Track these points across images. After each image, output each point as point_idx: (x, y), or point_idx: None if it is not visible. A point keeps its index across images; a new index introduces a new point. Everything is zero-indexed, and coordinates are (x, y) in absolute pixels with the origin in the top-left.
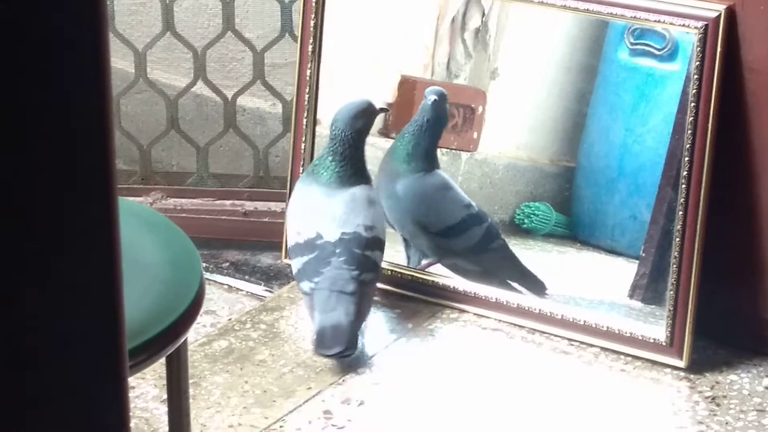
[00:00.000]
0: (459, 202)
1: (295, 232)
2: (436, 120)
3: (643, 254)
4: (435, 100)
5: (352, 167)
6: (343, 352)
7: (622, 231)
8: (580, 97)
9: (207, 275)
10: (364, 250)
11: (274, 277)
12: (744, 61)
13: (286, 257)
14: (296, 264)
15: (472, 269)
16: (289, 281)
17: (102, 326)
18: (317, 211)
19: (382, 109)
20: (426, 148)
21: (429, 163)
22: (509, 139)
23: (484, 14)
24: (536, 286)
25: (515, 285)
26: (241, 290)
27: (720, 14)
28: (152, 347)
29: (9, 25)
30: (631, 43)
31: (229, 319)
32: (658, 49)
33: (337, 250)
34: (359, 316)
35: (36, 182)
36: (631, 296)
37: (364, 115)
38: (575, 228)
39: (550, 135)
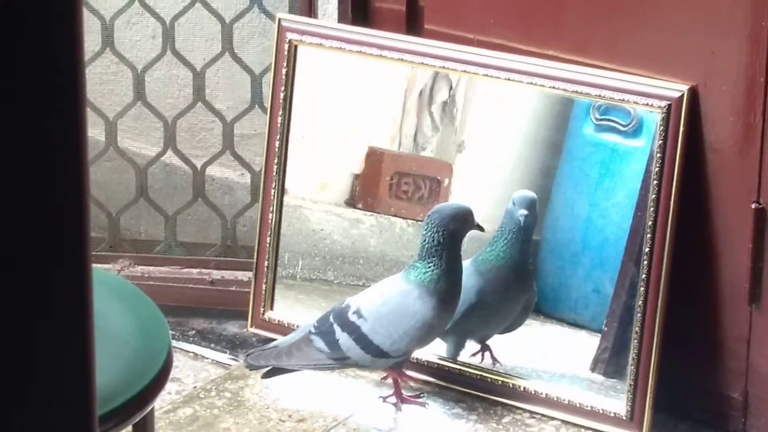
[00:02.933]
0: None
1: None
2: (528, 226)
3: (605, 328)
4: (526, 215)
5: (427, 270)
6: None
7: (585, 304)
8: (545, 171)
9: (173, 343)
10: (337, 324)
11: (240, 345)
12: (706, 140)
13: (251, 326)
14: None
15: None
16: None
17: (74, 393)
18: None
19: (478, 226)
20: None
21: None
22: (475, 211)
23: (451, 88)
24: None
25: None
26: (207, 358)
27: (683, 94)
28: (120, 415)
29: None
30: (597, 119)
31: (194, 387)
32: (623, 125)
33: (332, 311)
34: (280, 356)
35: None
36: (593, 370)
37: (460, 219)
38: (539, 301)
39: None
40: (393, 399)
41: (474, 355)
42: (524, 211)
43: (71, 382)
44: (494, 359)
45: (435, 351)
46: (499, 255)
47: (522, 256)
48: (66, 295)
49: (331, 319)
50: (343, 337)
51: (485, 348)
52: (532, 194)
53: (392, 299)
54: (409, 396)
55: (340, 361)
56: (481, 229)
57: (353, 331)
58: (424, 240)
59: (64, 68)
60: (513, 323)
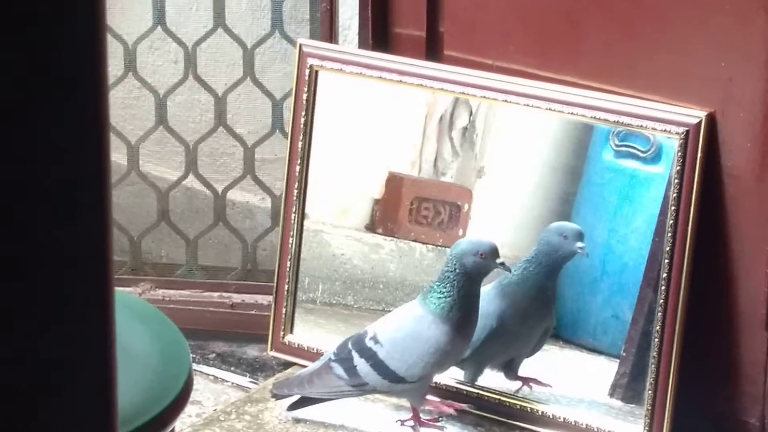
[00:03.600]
0: None
1: None
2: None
3: (624, 354)
4: (582, 248)
5: (444, 297)
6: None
7: (604, 330)
8: (564, 196)
9: (193, 366)
10: (355, 350)
11: (260, 368)
12: (724, 166)
13: (271, 350)
14: None
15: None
16: (274, 373)
17: (96, 417)
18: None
19: (503, 265)
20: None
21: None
22: (494, 237)
23: (471, 114)
24: None
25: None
26: (227, 381)
27: (701, 120)
28: None
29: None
30: (616, 145)
31: (215, 410)
32: (643, 152)
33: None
34: (302, 382)
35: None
36: (611, 395)
37: (476, 254)
38: (558, 326)
39: (535, 234)
40: (411, 422)
41: (518, 390)
42: (582, 244)
43: (93, 402)
44: (539, 383)
45: (453, 375)
46: (527, 280)
47: (549, 283)
48: (88, 315)
49: (350, 345)
50: (360, 363)
51: (527, 380)
52: (578, 227)
53: (407, 325)
54: (427, 420)
55: (359, 388)
56: (507, 269)
57: (370, 357)
58: (444, 268)
59: (88, 93)
60: (533, 349)
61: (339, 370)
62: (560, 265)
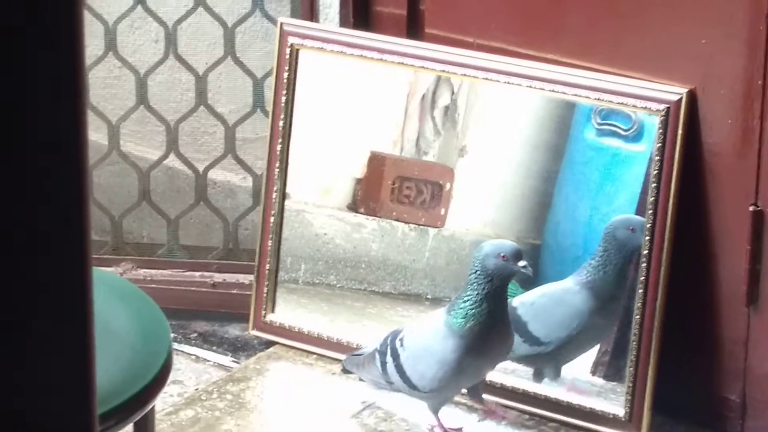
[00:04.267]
0: None
1: None
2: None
3: None
4: (637, 237)
5: (466, 306)
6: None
7: None
8: (546, 175)
9: (175, 345)
10: (388, 353)
11: (241, 348)
12: (705, 143)
13: (253, 329)
14: None
15: None
16: (255, 352)
17: (73, 391)
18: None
19: (525, 268)
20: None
21: None
22: (476, 215)
23: (453, 93)
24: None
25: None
26: (209, 361)
27: (681, 97)
28: (121, 413)
29: None
30: (598, 124)
31: (196, 389)
32: (625, 130)
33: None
34: (353, 362)
35: (13, 247)
36: (593, 373)
37: (499, 256)
38: None
39: (517, 213)
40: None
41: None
42: (638, 235)
43: (70, 378)
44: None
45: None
46: (609, 276)
47: (622, 273)
48: (66, 292)
49: (389, 341)
50: (389, 362)
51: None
52: (641, 218)
53: (424, 335)
54: (451, 429)
55: (389, 384)
56: (528, 273)
57: (395, 357)
58: (469, 275)
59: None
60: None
61: (377, 362)
62: (629, 260)
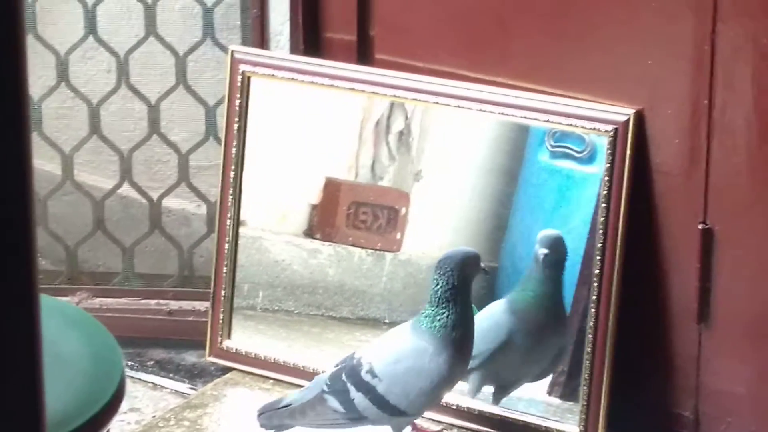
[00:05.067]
0: None
1: None
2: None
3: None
4: (546, 254)
5: (435, 319)
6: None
7: None
8: (502, 198)
9: (132, 373)
10: (350, 383)
11: (198, 375)
12: (653, 163)
13: (209, 355)
14: None
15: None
16: (212, 379)
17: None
18: (383, 337)
19: (485, 270)
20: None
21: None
22: (433, 239)
23: (407, 118)
24: None
25: None
26: (166, 388)
27: (629, 118)
28: None
29: None
30: (552, 146)
31: (154, 416)
32: (578, 152)
33: (341, 365)
34: (294, 414)
35: None
36: (549, 393)
37: (471, 264)
38: None
39: (473, 236)
40: None
41: None
42: (544, 250)
43: (19, 405)
44: None
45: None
46: (533, 294)
47: (554, 297)
48: (12, 319)
49: (344, 377)
50: (358, 397)
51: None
52: (555, 233)
53: (406, 358)
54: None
55: (356, 421)
56: (486, 272)
57: (368, 391)
58: (437, 285)
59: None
60: (542, 372)
61: (334, 402)
62: (553, 275)
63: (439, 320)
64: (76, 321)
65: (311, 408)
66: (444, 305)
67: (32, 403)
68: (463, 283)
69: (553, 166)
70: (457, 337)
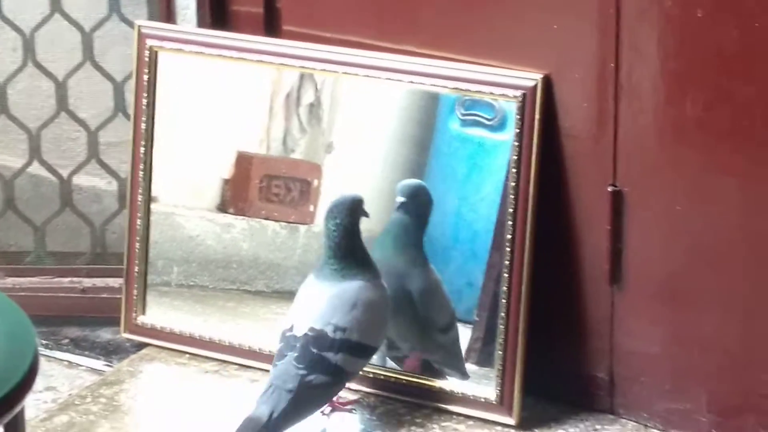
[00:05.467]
0: (448, 296)
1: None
2: (413, 212)
3: (477, 319)
4: (402, 202)
5: (348, 261)
6: None
7: (459, 298)
8: (414, 168)
9: (47, 352)
10: (324, 351)
11: (114, 351)
12: (562, 127)
13: (124, 331)
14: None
15: (435, 359)
16: (128, 355)
17: None
18: (303, 304)
19: (365, 212)
20: (413, 240)
21: (423, 253)
22: None
23: (317, 89)
24: (462, 370)
25: (447, 370)
26: (81, 365)
27: (537, 83)
28: None
29: None
30: (462, 114)
31: (70, 394)
32: (488, 119)
33: (296, 345)
34: (287, 417)
35: None
36: (466, 360)
37: (358, 208)
38: None
39: (386, 206)
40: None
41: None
42: (401, 198)
43: None
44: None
45: None
46: (392, 242)
47: (414, 245)
48: None
49: (315, 350)
50: (338, 358)
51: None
52: (415, 181)
53: (357, 299)
54: (341, 403)
55: (339, 384)
56: (367, 215)
57: (344, 346)
58: (335, 228)
59: None
60: (426, 328)
61: (320, 377)
62: (413, 223)
63: (351, 258)
64: None
65: (295, 406)
66: (345, 245)
67: None
68: (355, 224)
69: (465, 134)
70: (373, 265)
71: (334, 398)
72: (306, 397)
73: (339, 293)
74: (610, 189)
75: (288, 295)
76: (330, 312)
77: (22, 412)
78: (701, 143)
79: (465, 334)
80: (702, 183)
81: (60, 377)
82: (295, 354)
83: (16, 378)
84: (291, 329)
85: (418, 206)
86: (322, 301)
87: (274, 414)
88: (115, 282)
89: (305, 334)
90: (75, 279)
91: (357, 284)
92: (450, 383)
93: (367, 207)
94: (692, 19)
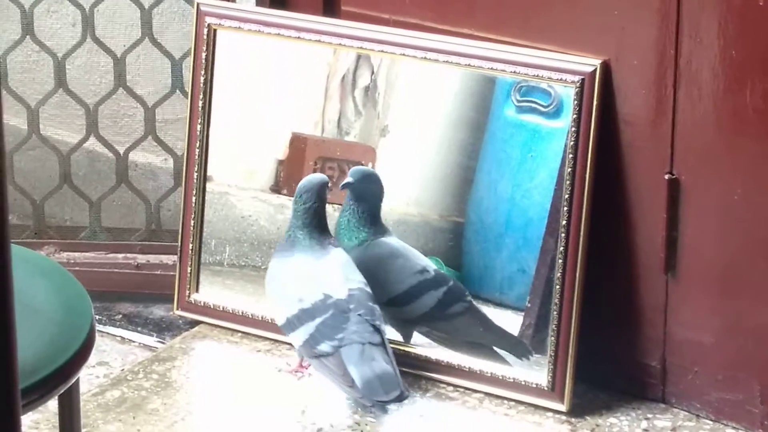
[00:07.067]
0: (409, 270)
1: (296, 300)
2: (359, 195)
3: (529, 305)
4: (348, 182)
5: (326, 233)
6: (401, 396)
7: (510, 284)
8: (468, 153)
9: (100, 327)
10: (374, 302)
11: (166, 328)
12: (620, 113)
13: (177, 309)
14: (307, 329)
15: (439, 336)
16: (181, 332)
17: None
18: (314, 275)
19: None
20: (361, 220)
21: (371, 233)
22: (399, 194)
23: (373, 72)
24: (517, 348)
25: (497, 350)
26: (134, 341)
27: (596, 68)
28: (45, 387)
29: None
30: (518, 101)
31: (122, 370)
32: (544, 106)
33: (351, 306)
34: (394, 362)
35: None
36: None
37: (326, 188)
38: (465, 282)
39: (440, 191)
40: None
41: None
42: (349, 179)
43: None
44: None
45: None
46: (345, 221)
47: (359, 227)
48: None
49: (371, 303)
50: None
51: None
52: (367, 168)
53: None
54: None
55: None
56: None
57: (351, 303)
58: (307, 204)
59: None
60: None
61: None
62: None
63: (326, 230)
64: (46, 270)
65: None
66: (316, 220)
67: (4, 350)
68: (323, 203)
69: (520, 120)
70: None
71: (304, 363)
72: (388, 345)
73: (343, 259)
74: (666, 177)
75: None
76: (351, 272)
77: (76, 384)
78: (760, 132)
79: (517, 321)
80: (760, 172)
81: (113, 353)
82: (361, 311)
83: (72, 349)
84: (329, 297)
85: (363, 191)
86: (334, 267)
87: (391, 364)
88: (169, 259)
89: (351, 295)
90: (129, 255)
91: (341, 251)
92: (502, 368)
93: (421, 190)
94: (754, 7)
